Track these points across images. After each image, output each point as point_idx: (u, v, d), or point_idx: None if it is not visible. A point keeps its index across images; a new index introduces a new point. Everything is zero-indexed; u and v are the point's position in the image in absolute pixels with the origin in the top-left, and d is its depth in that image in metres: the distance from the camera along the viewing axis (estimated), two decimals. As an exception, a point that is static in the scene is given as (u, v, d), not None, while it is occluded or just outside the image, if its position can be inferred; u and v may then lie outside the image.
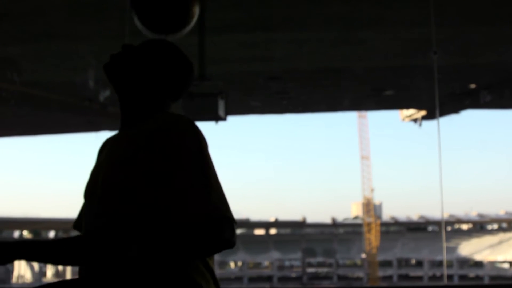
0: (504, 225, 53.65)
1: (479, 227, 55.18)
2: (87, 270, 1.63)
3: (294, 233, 57.72)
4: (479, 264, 50.04)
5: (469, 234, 53.72)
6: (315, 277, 51.69)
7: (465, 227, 55.42)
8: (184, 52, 1.81)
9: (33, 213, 73.99)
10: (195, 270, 1.58)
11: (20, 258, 1.58)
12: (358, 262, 54.06)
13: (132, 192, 1.53)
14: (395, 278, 50.15)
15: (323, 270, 52.87)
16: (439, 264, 49.03)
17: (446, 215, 50.51)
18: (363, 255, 52.11)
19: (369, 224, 51.50)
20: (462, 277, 48.10)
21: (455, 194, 73.76)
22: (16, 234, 52.40)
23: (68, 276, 43.24)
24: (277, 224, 57.33)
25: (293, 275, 52.72)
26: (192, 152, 1.55)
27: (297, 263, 53.91)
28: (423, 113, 17.45)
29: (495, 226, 54.49)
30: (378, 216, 55.23)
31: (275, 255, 53.00)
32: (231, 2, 7.58)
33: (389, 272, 50.71)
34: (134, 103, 1.73)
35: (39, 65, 10.86)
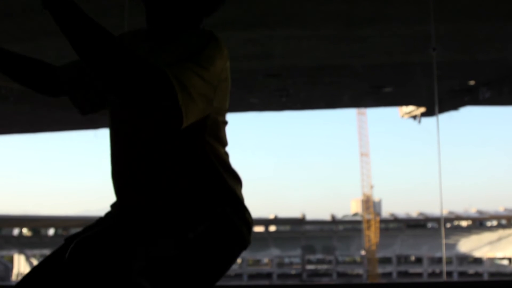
0: (503, 221, 53.68)
1: (478, 223, 55.20)
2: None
3: (293, 230, 57.71)
4: (478, 261, 50.06)
5: (468, 231, 53.75)
6: (315, 274, 51.71)
7: (464, 224, 55.44)
8: None
9: (32, 211, 74.02)
10: (227, 171, 1.62)
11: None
12: (358, 259, 54.10)
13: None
14: (394, 275, 50.19)
15: (322, 267, 52.89)
16: (439, 260, 49.03)
17: (445, 212, 50.53)
18: (363, 252, 52.15)
19: (368, 221, 51.51)
20: (462, 274, 48.14)
21: (454, 191, 73.78)
22: (16, 231, 52.42)
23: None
24: (276, 221, 57.35)
25: (293, 272, 52.74)
26: (207, 48, 1.50)
27: (296, 260, 53.95)
28: (422, 110, 17.47)
29: (494, 223, 54.49)
30: (378, 213, 55.21)
31: (275, 252, 53.03)
32: (230, -1, 7.57)
33: (388, 269, 50.73)
34: (164, 17, 1.62)
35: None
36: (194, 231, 1.50)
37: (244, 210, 1.63)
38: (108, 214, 1.68)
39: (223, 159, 1.63)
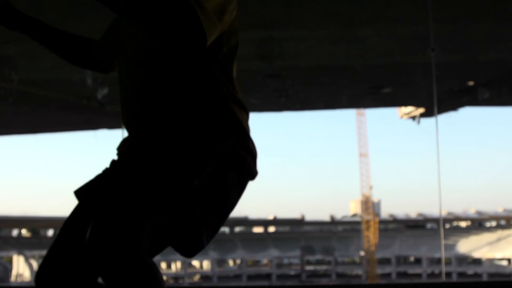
0: (503, 222, 53.72)
1: (478, 224, 55.23)
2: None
3: (292, 230, 57.72)
4: (477, 262, 50.11)
5: (467, 231, 53.79)
6: (314, 274, 51.71)
7: (463, 224, 55.48)
8: None
9: (31, 212, 73.90)
10: (235, 102, 1.65)
11: None
12: (357, 259, 54.13)
13: None
14: (393, 276, 50.22)
15: (321, 267, 52.90)
16: (438, 261, 49.05)
17: (444, 213, 50.54)
18: (362, 253, 52.18)
19: (367, 221, 51.54)
20: (461, 274, 48.17)
21: (453, 191, 73.70)
22: (15, 232, 52.38)
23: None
24: (275, 222, 57.36)
25: (292, 272, 52.74)
26: None
27: (295, 260, 53.96)
28: (421, 110, 17.46)
29: (494, 223, 54.53)
30: (377, 214, 55.21)
31: (274, 252, 53.04)
32: (230, -1, 7.56)
33: (387, 269, 50.76)
34: None
35: (37, 63, 10.84)
36: (200, 176, 1.50)
37: (248, 140, 1.65)
38: (112, 163, 1.66)
39: (231, 89, 1.67)
